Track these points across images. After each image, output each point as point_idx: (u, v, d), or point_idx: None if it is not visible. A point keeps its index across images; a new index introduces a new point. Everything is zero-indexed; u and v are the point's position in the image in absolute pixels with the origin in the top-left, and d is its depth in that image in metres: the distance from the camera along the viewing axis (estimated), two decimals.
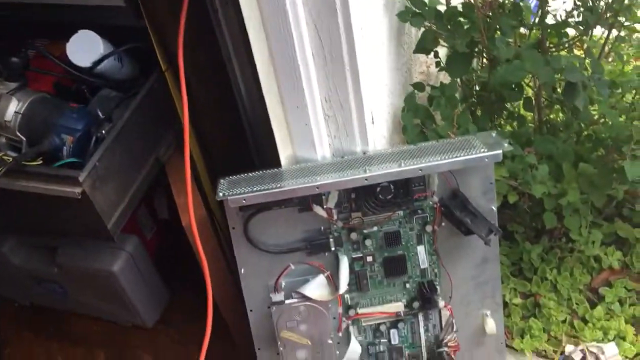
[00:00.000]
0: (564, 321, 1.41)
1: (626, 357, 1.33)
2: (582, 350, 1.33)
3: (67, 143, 1.10)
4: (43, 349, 1.61)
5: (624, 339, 1.36)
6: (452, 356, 1.23)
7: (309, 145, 1.14)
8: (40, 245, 1.48)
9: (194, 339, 1.12)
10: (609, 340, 1.35)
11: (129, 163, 1.18)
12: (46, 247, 1.46)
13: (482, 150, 1.09)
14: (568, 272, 1.47)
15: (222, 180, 1.15)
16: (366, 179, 1.07)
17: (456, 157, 1.08)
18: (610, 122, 1.26)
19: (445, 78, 1.41)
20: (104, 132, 1.10)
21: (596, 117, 1.44)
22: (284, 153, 1.16)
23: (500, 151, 1.08)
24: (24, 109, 1.15)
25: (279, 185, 1.08)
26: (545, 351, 1.37)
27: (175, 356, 1.54)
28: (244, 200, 1.07)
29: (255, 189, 1.08)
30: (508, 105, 1.51)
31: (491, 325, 1.25)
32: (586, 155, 1.37)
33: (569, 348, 1.35)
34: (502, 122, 1.58)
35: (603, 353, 1.31)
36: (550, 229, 1.53)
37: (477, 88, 1.51)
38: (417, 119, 1.28)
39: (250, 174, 1.16)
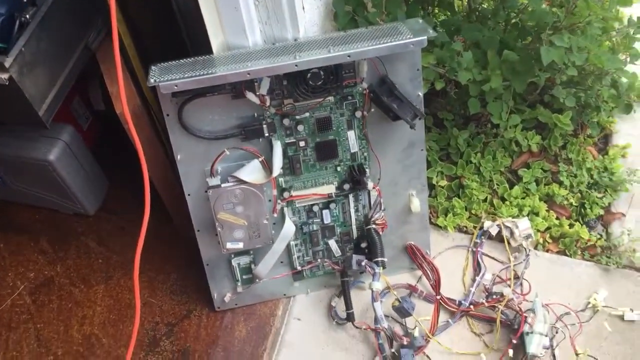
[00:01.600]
0: (484, 200, 1.52)
1: (538, 230, 1.46)
2: (498, 225, 1.45)
3: None
4: None
5: (537, 214, 1.49)
6: (380, 233, 1.33)
7: (240, 31, 1.15)
8: None
9: (136, 225, 1.15)
10: (524, 216, 1.47)
11: (57, 49, 1.15)
12: None
13: (408, 36, 1.12)
14: (491, 156, 1.56)
15: (153, 67, 1.15)
16: (296, 65, 1.10)
17: (383, 43, 1.11)
18: (533, 10, 1.30)
19: None
20: (27, 16, 1.07)
21: (523, 5, 1.48)
22: (215, 40, 1.16)
23: (425, 37, 1.11)
24: None
25: (210, 71, 1.10)
26: (466, 227, 1.49)
27: (119, 241, 1.59)
28: (176, 86, 1.09)
29: (187, 75, 1.09)
30: None
31: (416, 204, 1.34)
32: (512, 44, 1.42)
33: (487, 224, 1.47)
34: (435, 11, 1.60)
35: (517, 227, 1.43)
36: (477, 116, 1.61)
37: None
38: (349, 6, 1.29)
39: (181, 61, 1.16)
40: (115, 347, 1.40)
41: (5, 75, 1.04)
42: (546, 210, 1.49)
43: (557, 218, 1.48)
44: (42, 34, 1.11)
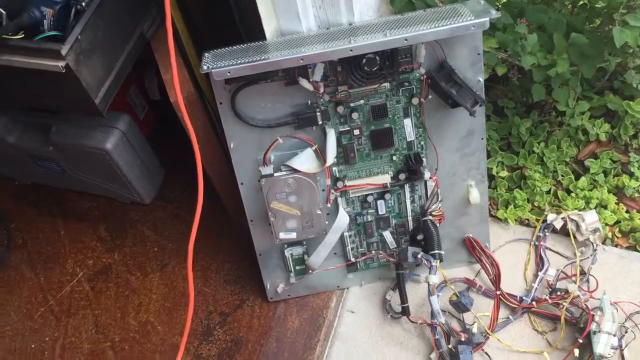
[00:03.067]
0: (548, 192, 1.45)
1: (606, 224, 1.38)
2: (563, 218, 1.38)
3: (47, 16, 1.08)
4: (47, 224, 1.67)
5: (605, 207, 1.41)
6: (437, 224, 1.28)
7: (294, 16, 1.13)
8: (35, 123, 1.49)
9: (191, 213, 1.16)
10: (591, 209, 1.39)
11: (113, 37, 1.16)
12: (41, 125, 1.47)
13: (469, 18, 1.07)
14: (555, 145, 1.49)
15: (206, 54, 1.14)
16: (351, 50, 1.06)
17: (442, 26, 1.06)
18: None
19: None
20: (84, 4, 1.08)
21: None
22: (269, 26, 1.14)
23: (487, 19, 1.06)
24: None
25: (263, 57, 1.08)
26: (528, 220, 1.42)
27: (174, 230, 1.60)
28: (229, 72, 1.07)
29: (239, 61, 1.08)
30: None
31: (475, 195, 1.29)
32: (579, 26, 1.34)
33: (551, 216, 1.39)
34: None
35: (583, 220, 1.36)
36: (540, 104, 1.53)
37: None
38: None
39: (235, 47, 1.15)
40: (170, 335, 1.41)
41: (61, 63, 1.05)
42: (615, 203, 1.41)
43: (627, 211, 1.39)
44: (98, 22, 1.11)
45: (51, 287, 1.54)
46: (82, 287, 1.52)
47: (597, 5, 1.33)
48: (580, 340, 1.20)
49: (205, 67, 1.08)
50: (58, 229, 1.66)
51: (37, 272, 1.57)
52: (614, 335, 1.18)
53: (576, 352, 1.19)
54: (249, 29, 1.22)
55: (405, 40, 1.06)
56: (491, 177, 1.50)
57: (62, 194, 1.72)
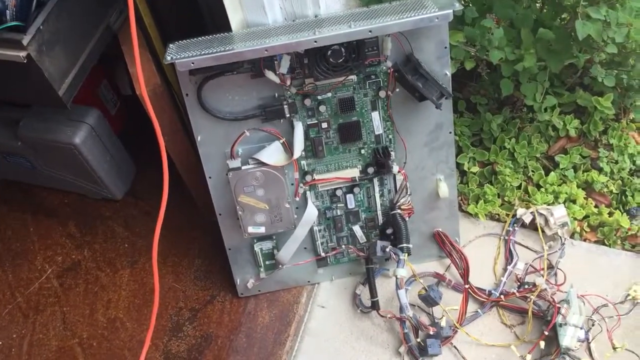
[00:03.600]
0: (518, 187, 1.46)
1: (575, 218, 1.39)
2: (532, 213, 1.38)
3: (9, 6, 1.07)
4: (17, 220, 1.65)
5: (574, 202, 1.41)
6: (406, 218, 1.28)
7: (259, 8, 1.12)
8: (3, 118, 1.47)
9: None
10: (560, 204, 1.40)
11: (77, 28, 1.15)
12: (9, 120, 1.46)
13: (433, 10, 1.07)
14: (526, 141, 1.49)
15: (171, 45, 1.13)
16: (315, 41, 1.06)
17: (406, 17, 1.06)
18: None
19: None
20: None
21: None
22: (234, 17, 1.13)
23: (451, 11, 1.06)
24: None
25: (227, 48, 1.07)
26: (498, 215, 1.43)
27: (145, 226, 1.59)
28: (192, 63, 1.07)
29: (204, 52, 1.07)
30: None
31: (444, 190, 1.29)
32: (547, 22, 1.35)
33: (520, 211, 1.40)
34: None
35: (552, 214, 1.36)
36: (512, 100, 1.54)
37: None
38: None
39: (199, 39, 1.14)
40: (139, 331, 1.39)
41: (23, 54, 1.04)
42: (584, 198, 1.42)
43: (595, 206, 1.40)
44: (62, 13, 1.10)
45: (19, 284, 1.52)
46: (50, 284, 1.51)
47: (565, 2, 1.34)
48: (547, 333, 1.20)
49: (169, 58, 1.08)
50: (27, 225, 1.64)
51: (5, 269, 1.55)
52: (581, 328, 1.19)
53: (542, 344, 1.20)
54: (215, 22, 1.21)
55: (370, 31, 1.06)
56: (462, 173, 1.50)
57: (32, 190, 1.70)
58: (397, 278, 1.21)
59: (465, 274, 1.30)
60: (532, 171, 1.47)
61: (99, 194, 1.61)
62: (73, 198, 1.67)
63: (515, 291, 1.28)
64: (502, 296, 1.28)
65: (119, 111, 1.67)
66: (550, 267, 1.32)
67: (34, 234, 1.62)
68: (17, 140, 1.45)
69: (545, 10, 1.38)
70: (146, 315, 1.42)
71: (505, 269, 1.34)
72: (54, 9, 1.07)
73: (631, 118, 1.51)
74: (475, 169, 1.50)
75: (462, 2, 1.25)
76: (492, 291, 1.30)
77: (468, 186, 1.48)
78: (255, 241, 1.32)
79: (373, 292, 1.30)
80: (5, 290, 1.51)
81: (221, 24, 1.17)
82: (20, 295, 1.49)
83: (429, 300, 1.24)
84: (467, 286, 1.29)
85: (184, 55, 1.07)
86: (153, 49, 1.28)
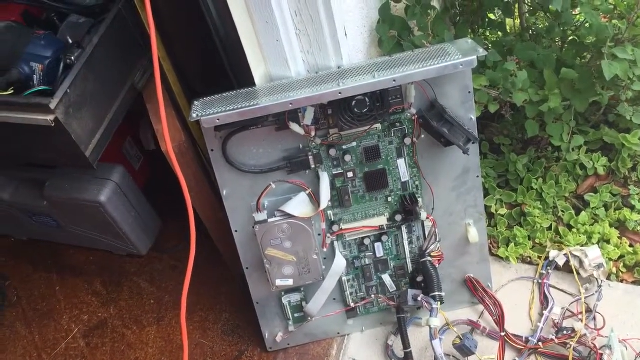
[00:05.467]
0: (549, 228, 1.43)
1: (610, 259, 1.35)
2: (565, 255, 1.35)
3: (37, 71, 1.09)
4: (43, 280, 1.65)
5: (608, 242, 1.38)
6: (436, 265, 1.25)
7: (282, 62, 1.13)
8: (29, 179, 1.49)
9: (187, 263, 1.14)
10: (593, 245, 1.37)
11: (103, 89, 1.16)
12: (35, 181, 1.47)
13: (457, 57, 1.07)
14: (554, 181, 1.47)
15: (196, 102, 1.14)
16: (340, 92, 1.06)
17: (430, 65, 1.06)
18: (591, 24, 1.23)
19: None
20: (73, 58, 1.09)
21: (579, 21, 1.40)
22: (257, 71, 1.14)
23: (475, 57, 1.06)
24: None
25: (252, 103, 1.08)
26: (530, 257, 1.40)
27: (171, 281, 1.58)
28: (218, 119, 1.07)
29: (228, 108, 1.08)
30: (490, 14, 1.47)
31: (474, 234, 1.27)
32: (569, 61, 1.35)
33: (553, 253, 1.37)
34: (486, 32, 1.55)
35: (586, 256, 1.33)
36: (536, 140, 1.53)
37: None
38: (394, 31, 1.26)
39: (224, 94, 1.15)
40: None
41: (51, 117, 1.05)
42: (618, 237, 1.38)
43: (630, 245, 1.37)
44: (88, 75, 1.12)
45: (46, 344, 1.50)
46: (77, 344, 1.49)
47: (586, 41, 1.33)
48: None
49: (194, 115, 1.08)
50: (53, 284, 1.64)
51: (32, 329, 1.54)
52: None
53: None
54: (239, 76, 1.22)
55: (394, 81, 1.06)
56: (490, 215, 1.48)
57: (57, 249, 1.71)
58: (430, 328, 1.17)
59: (500, 320, 1.26)
60: (562, 211, 1.45)
61: (124, 250, 1.61)
62: (98, 255, 1.67)
63: (554, 337, 1.24)
64: (540, 343, 1.24)
65: (142, 166, 1.68)
66: (589, 310, 1.28)
67: (60, 293, 1.61)
68: (43, 200, 1.46)
69: (566, 50, 1.38)
70: None
71: (541, 314, 1.30)
72: (81, 71, 1.09)
73: None
74: (503, 210, 1.48)
75: (484, 47, 1.24)
76: (530, 338, 1.25)
77: (497, 229, 1.45)
78: (283, 294, 1.30)
79: (406, 343, 1.27)
80: (32, 352, 1.50)
81: (244, 78, 1.18)
82: (47, 356, 1.48)
83: (464, 349, 1.20)
84: (503, 334, 1.25)
85: (209, 112, 1.08)
86: (177, 105, 1.29)
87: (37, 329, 1.54)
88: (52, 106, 1.04)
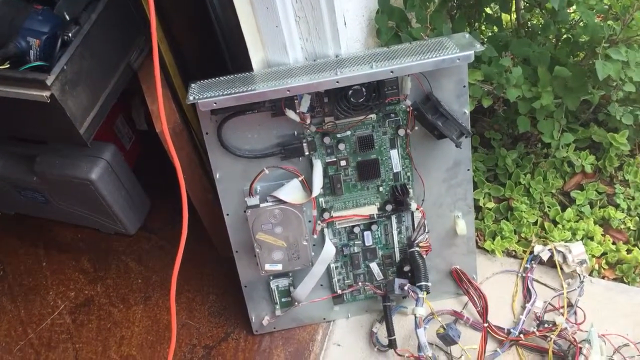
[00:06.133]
0: (535, 223, 1.45)
1: (593, 255, 1.38)
2: (550, 250, 1.38)
3: (33, 46, 1.08)
4: (30, 255, 1.65)
5: (592, 239, 1.41)
6: (424, 256, 1.27)
7: (281, 48, 1.13)
8: (20, 154, 1.48)
9: (176, 244, 1.14)
10: (577, 241, 1.39)
11: (99, 68, 1.16)
12: (25, 155, 1.47)
13: (454, 51, 1.08)
14: (541, 177, 1.49)
15: (193, 85, 1.14)
16: (337, 82, 1.07)
17: (428, 58, 1.07)
18: (586, 24, 1.24)
19: None
20: (70, 35, 1.08)
21: (575, 19, 1.42)
22: (256, 57, 1.14)
23: (472, 52, 1.07)
24: None
25: (249, 88, 1.08)
26: (515, 251, 1.42)
27: (159, 261, 1.58)
28: (215, 103, 1.07)
29: (226, 92, 1.08)
30: (487, 9, 1.48)
31: (462, 227, 1.29)
32: (563, 59, 1.36)
33: (537, 248, 1.39)
34: (482, 27, 1.56)
35: (570, 252, 1.35)
36: (526, 135, 1.54)
37: None
38: (392, 22, 1.26)
39: (221, 78, 1.15)
40: None
41: (46, 93, 1.04)
42: (602, 235, 1.41)
43: (613, 243, 1.40)
44: (85, 53, 1.11)
45: (31, 319, 1.50)
46: (63, 320, 1.49)
47: (580, 39, 1.35)
48: None
49: (191, 98, 1.08)
50: (40, 260, 1.63)
51: (17, 304, 1.54)
52: None
53: None
54: (235, 60, 1.22)
55: (391, 72, 1.07)
56: (478, 208, 1.50)
57: (45, 225, 1.70)
58: (415, 317, 1.19)
59: (484, 312, 1.29)
60: (549, 207, 1.47)
61: (113, 228, 1.61)
62: (86, 233, 1.67)
63: (535, 330, 1.26)
64: (521, 335, 1.27)
65: (133, 145, 1.68)
66: (570, 305, 1.30)
67: (46, 269, 1.61)
68: (33, 175, 1.45)
69: (560, 48, 1.39)
70: (160, 353, 1.40)
71: (523, 307, 1.32)
72: (78, 48, 1.09)
73: None
74: (491, 204, 1.50)
75: (480, 42, 1.25)
76: (512, 330, 1.28)
77: (484, 222, 1.47)
78: (271, 278, 1.32)
79: (390, 331, 1.29)
80: (17, 326, 1.50)
81: (241, 62, 1.18)
82: (32, 332, 1.48)
83: (447, 339, 1.22)
84: (486, 325, 1.28)
85: (206, 95, 1.08)
86: (172, 86, 1.29)
87: (22, 303, 1.54)
88: (49, 82, 1.04)
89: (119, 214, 1.54)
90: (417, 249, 1.27)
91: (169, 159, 1.14)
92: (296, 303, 1.30)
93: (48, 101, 1.04)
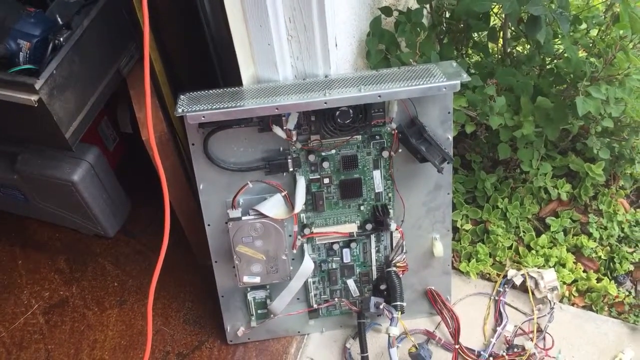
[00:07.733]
0: (509, 247, 1.48)
1: (564, 282, 1.41)
2: (522, 275, 1.41)
3: (23, 49, 1.08)
4: (5, 252, 1.63)
5: (564, 266, 1.44)
6: (400, 276, 1.29)
7: (271, 65, 1.14)
8: (1, 151, 1.47)
9: (154, 249, 1.15)
10: (550, 267, 1.43)
11: (89, 73, 1.16)
12: (6, 153, 1.45)
13: (441, 79, 1.10)
14: (518, 202, 1.52)
15: (182, 96, 1.15)
16: (325, 102, 1.08)
17: (415, 85, 1.09)
18: (570, 57, 1.28)
19: (414, 4, 1.40)
20: (62, 39, 1.08)
21: (560, 52, 1.45)
22: (246, 72, 1.15)
23: (458, 82, 1.09)
24: None
25: (238, 104, 1.09)
26: (489, 274, 1.45)
27: (136, 265, 1.58)
28: (203, 117, 1.08)
29: (214, 106, 1.09)
30: (475, 35, 1.51)
31: (439, 249, 1.31)
32: (546, 90, 1.39)
33: (511, 272, 1.42)
34: (469, 52, 1.58)
35: (542, 278, 1.39)
36: (506, 160, 1.57)
37: (447, 16, 1.50)
38: (382, 45, 1.28)
39: (211, 91, 1.16)
40: None
41: (34, 97, 1.04)
42: (573, 262, 1.45)
43: (584, 271, 1.43)
44: (75, 57, 1.11)
45: (4, 318, 1.49)
46: (36, 320, 1.48)
47: (564, 71, 1.38)
48: None
49: (180, 110, 1.09)
50: (16, 257, 1.62)
51: None
52: None
53: None
54: (226, 73, 1.23)
55: (379, 96, 1.08)
56: (455, 229, 1.52)
57: (23, 222, 1.69)
58: (389, 336, 1.21)
59: (455, 333, 1.31)
60: (524, 232, 1.50)
61: (92, 230, 1.60)
62: (64, 233, 1.66)
63: (504, 354, 1.29)
64: (491, 358, 1.29)
65: (117, 147, 1.67)
66: (539, 330, 1.33)
67: (22, 267, 1.60)
68: (14, 173, 1.44)
69: (543, 77, 1.42)
70: (132, 358, 1.40)
71: (494, 330, 1.35)
72: (69, 53, 1.08)
73: (620, 185, 1.56)
74: (468, 226, 1.53)
75: (467, 70, 1.28)
76: (482, 352, 1.31)
77: (460, 243, 1.50)
78: (248, 290, 1.33)
79: (364, 348, 1.30)
80: None
81: (231, 75, 1.19)
82: (5, 330, 1.47)
83: (418, 359, 1.25)
84: (457, 346, 1.30)
85: (195, 108, 1.08)
86: (160, 94, 1.29)
87: None
88: (37, 86, 1.03)
89: (99, 216, 1.53)
90: (394, 268, 1.29)
91: (152, 163, 1.14)
92: (272, 315, 1.31)
93: (35, 105, 1.04)
